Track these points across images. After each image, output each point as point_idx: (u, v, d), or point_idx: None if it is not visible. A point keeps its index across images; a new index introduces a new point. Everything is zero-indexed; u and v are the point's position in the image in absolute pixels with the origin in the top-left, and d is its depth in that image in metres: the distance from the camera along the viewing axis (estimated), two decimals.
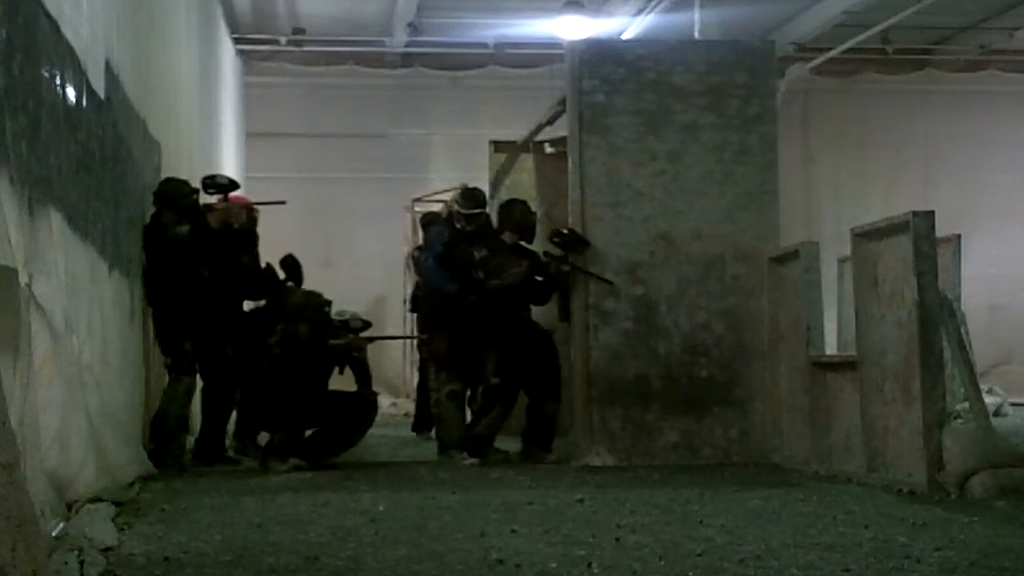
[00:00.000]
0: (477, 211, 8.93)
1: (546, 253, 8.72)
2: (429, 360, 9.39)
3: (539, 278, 8.64)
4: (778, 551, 4.56)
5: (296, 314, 8.15)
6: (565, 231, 8.59)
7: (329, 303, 8.44)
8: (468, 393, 9.07)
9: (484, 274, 8.59)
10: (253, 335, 8.37)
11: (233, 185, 8.58)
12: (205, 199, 8.51)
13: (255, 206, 9.04)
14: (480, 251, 8.71)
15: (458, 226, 8.93)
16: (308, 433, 8.18)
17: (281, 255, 9.26)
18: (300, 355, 8.04)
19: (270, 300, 8.88)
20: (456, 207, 9.11)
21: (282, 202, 9.06)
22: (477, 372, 8.82)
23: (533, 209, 9.24)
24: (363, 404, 8.39)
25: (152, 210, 8.04)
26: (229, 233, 8.34)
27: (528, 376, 8.60)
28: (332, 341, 8.20)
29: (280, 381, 8.00)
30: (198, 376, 8.22)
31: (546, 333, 8.85)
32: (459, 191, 9.53)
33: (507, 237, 8.75)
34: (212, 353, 8.17)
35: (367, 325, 8.43)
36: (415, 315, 11.32)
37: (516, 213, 8.85)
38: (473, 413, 8.89)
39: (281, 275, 9.09)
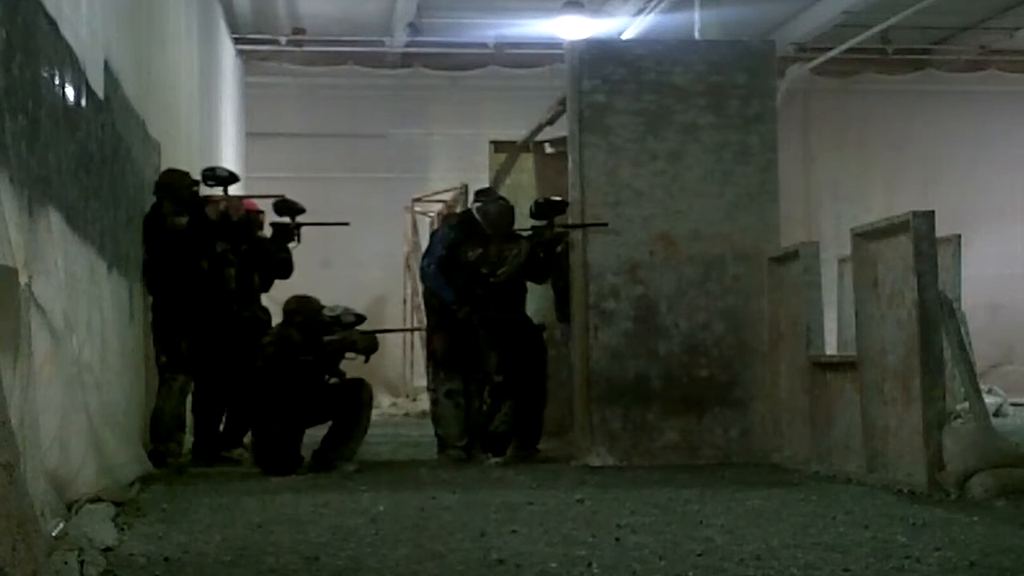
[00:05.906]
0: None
1: (533, 228, 8.74)
2: (428, 359, 9.37)
3: (540, 254, 8.65)
4: (778, 551, 4.56)
5: (288, 320, 8.12)
6: (540, 200, 8.75)
7: (322, 307, 8.42)
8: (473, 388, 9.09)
9: (488, 268, 8.59)
10: (247, 335, 8.35)
11: (233, 178, 8.57)
12: (205, 191, 8.53)
13: (259, 208, 9.07)
14: (475, 250, 8.71)
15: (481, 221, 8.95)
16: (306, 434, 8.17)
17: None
18: (294, 355, 8.02)
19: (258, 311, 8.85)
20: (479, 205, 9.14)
21: (279, 196, 9.09)
22: (477, 370, 8.83)
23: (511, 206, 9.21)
24: (354, 389, 8.23)
25: (153, 201, 8.07)
26: (227, 225, 8.35)
27: (523, 374, 8.61)
28: (327, 338, 8.17)
29: (274, 381, 7.97)
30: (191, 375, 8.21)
31: (538, 332, 8.86)
32: (475, 192, 9.52)
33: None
34: (207, 352, 8.17)
35: (360, 319, 8.33)
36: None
37: (495, 214, 8.83)
38: (484, 414, 8.88)
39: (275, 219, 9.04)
